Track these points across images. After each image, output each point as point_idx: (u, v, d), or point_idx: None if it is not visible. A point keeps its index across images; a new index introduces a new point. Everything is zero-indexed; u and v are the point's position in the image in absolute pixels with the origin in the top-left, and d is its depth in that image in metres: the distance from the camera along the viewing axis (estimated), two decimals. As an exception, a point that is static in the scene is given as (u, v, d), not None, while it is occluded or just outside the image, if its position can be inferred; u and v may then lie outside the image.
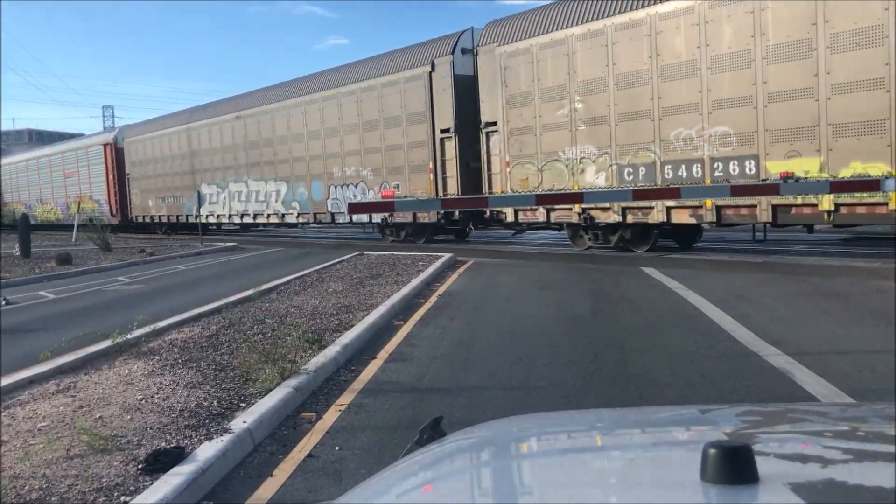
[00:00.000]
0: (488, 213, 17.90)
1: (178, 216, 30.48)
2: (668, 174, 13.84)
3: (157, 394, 5.63)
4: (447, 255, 15.43)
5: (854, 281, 10.46)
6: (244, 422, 4.74)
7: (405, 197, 18.58)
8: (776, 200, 12.40)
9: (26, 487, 3.87)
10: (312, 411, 5.34)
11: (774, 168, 12.12)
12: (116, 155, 34.23)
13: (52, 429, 4.86)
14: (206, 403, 5.31)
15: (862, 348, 6.62)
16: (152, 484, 3.80)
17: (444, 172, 18.94)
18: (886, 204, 11.21)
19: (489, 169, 17.92)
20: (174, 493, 3.66)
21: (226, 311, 9.49)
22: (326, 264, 15.02)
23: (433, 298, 10.57)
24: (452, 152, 18.72)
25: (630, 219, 14.76)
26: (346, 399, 5.62)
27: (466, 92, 18.28)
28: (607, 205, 14.68)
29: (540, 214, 16.43)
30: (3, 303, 12.00)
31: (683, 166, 13.60)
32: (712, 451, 1.00)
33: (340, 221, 22.60)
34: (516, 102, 16.64)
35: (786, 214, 12.66)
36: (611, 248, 15.63)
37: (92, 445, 4.38)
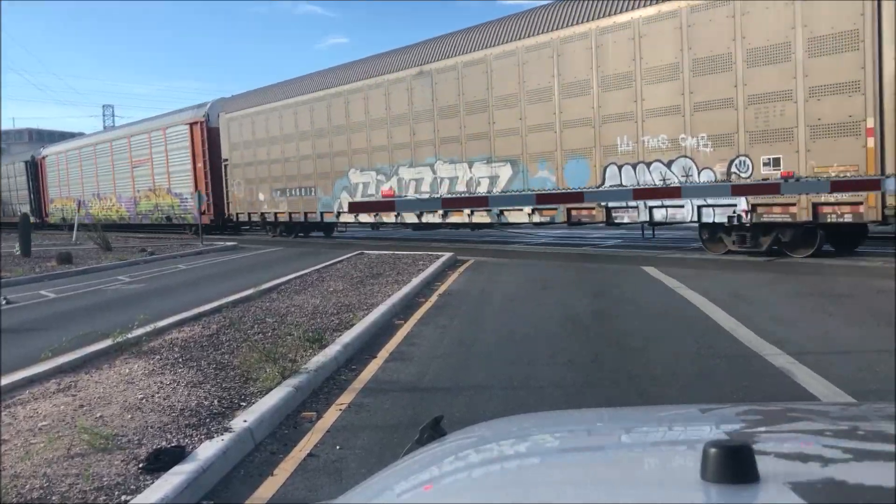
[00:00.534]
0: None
1: (306, 213, 23.05)
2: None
3: (158, 393, 5.63)
4: (448, 255, 15.43)
5: (854, 281, 10.46)
6: (245, 421, 4.74)
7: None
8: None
9: (27, 486, 3.87)
10: (313, 410, 5.34)
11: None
12: (209, 136, 27.45)
13: (53, 428, 4.86)
14: (206, 402, 5.31)
15: (862, 348, 6.62)
16: (153, 483, 3.80)
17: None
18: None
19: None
20: (175, 493, 3.66)
21: (226, 310, 9.49)
22: (327, 263, 15.02)
23: (434, 298, 10.57)
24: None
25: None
26: (346, 398, 5.62)
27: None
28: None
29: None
30: (4, 302, 12.01)
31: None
32: (712, 450, 1.01)
33: (624, 221, 15.12)
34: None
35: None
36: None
37: (93, 444, 4.38)
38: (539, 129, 16.24)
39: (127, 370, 6.47)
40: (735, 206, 12.99)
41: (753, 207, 12.81)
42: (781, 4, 12.07)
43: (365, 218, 20.68)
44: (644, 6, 14.09)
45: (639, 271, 12.44)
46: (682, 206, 13.82)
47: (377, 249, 18.10)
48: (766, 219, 12.74)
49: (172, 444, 4.38)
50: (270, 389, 5.46)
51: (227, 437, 4.44)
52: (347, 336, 7.40)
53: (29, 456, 4.27)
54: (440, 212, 18.41)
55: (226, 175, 26.83)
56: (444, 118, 18.38)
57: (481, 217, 17.90)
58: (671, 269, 12.22)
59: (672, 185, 12.83)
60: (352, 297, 10.22)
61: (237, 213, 26.42)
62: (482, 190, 17.38)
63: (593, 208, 15.32)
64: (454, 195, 17.37)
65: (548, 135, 16.04)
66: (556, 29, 15.77)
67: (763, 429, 1.46)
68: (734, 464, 0.99)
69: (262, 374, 5.82)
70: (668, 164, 13.96)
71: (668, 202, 14.00)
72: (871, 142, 11.22)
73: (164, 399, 5.45)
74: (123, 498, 3.70)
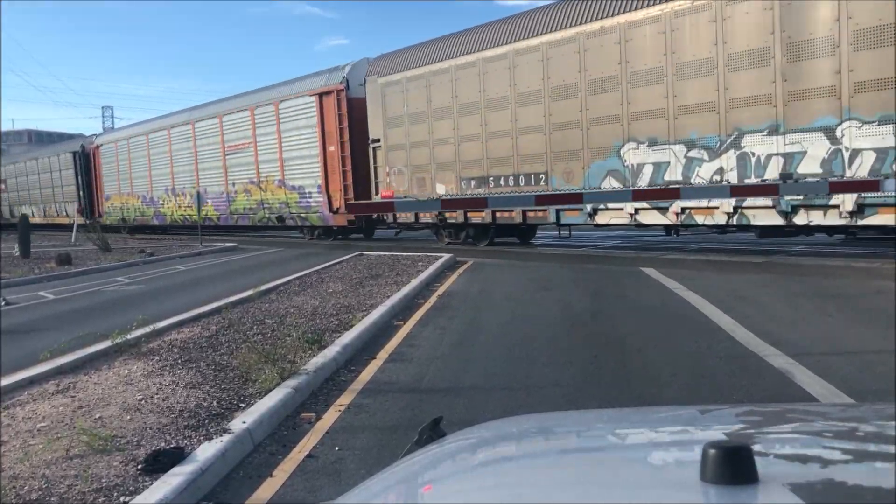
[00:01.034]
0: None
1: (525, 212, 16.36)
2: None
3: (157, 394, 5.63)
4: (447, 256, 15.42)
5: (854, 281, 10.46)
6: (244, 422, 4.73)
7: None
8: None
9: (26, 488, 3.87)
10: (312, 412, 5.34)
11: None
12: (350, 109, 20.48)
13: (52, 429, 4.86)
14: (205, 404, 5.30)
15: (862, 349, 6.62)
16: (152, 484, 3.80)
17: None
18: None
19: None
20: (174, 494, 3.66)
21: (225, 311, 9.48)
22: (326, 265, 15.02)
23: (433, 299, 10.57)
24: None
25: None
26: (345, 399, 5.62)
27: None
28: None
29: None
30: (3, 303, 12.00)
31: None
32: (712, 451, 1.00)
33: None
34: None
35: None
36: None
37: (91, 446, 4.38)
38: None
39: (126, 371, 6.46)
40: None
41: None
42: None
43: (619, 219, 14.75)
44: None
45: (638, 272, 12.44)
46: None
47: (376, 251, 18.10)
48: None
49: (171, 446, 4.37)
50: (269, 390, 5.46)
51: (226, 438, 4.44)
52: (347, 337, 7.40)
53: (28, 457, 4.27)
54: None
55: (374, 161, 19.96)
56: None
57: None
58: (670, 270, 12.22)
59: (672, 187, 12.84)
60: (351, 299, 10.22)
61: (395, 213, 19.15)
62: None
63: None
64: (453, 196, 17.36)
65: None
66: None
67: (762, 430, 1.46)
68: (733, 465, 0.99)
69: (262, 376, 5.82)
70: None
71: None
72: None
73: (163, 400, 5.44)
74: (122, 499, 3.70)
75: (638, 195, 12.05)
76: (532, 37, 15.98)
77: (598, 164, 14.75)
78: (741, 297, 9.43)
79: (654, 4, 13.58)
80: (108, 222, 33.47)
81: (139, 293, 13.18)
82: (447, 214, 18.24)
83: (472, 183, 17.47)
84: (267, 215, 24.57)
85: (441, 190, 18.12)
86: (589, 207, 14.76)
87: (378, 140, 19.92)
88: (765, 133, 12.09)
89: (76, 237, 27.64)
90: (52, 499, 3.73)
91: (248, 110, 24.95)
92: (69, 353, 6.93)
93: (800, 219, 11.90)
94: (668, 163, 13.56)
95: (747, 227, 13.32)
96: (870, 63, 10.87)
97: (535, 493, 1.19)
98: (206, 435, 4.56)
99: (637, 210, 14.20)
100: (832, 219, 11.56)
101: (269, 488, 4.02)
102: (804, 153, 11.51)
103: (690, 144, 13.24)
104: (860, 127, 10.96)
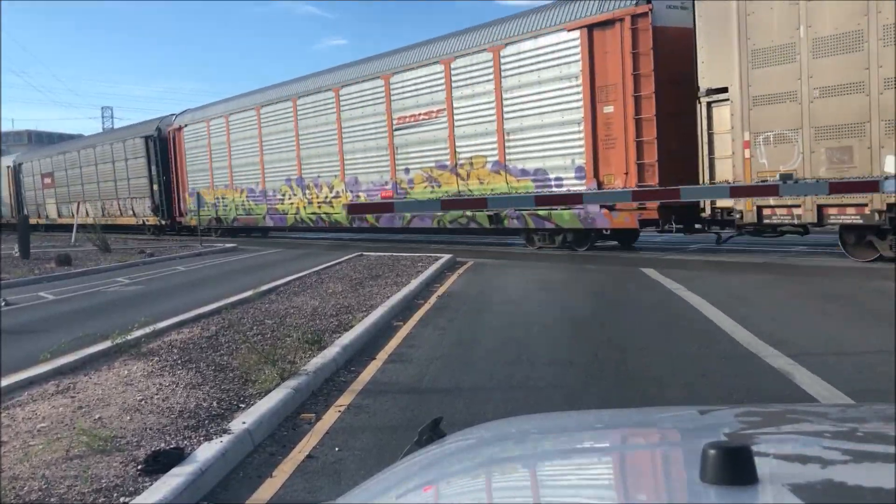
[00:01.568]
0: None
1: None
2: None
3: (157, 395, 5.63)
4: (447, 256, 15.42)
5: (854, 281, 10.46)
6: (244, 423, 4.73)
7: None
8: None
9: (26, 488, 3.86)
10: (312, 412, 5.34)
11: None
12: (656, 45, 13.62)
13: (52, 429, 4.86)
14: (205, 404, 5.30)
15: (862, 349, 6.62)
16: (152, 485, 3.80)
17: None
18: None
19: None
20: (173, 494, 3.66)
21: (225, 311, 9.48)
22: (326, 265, 15.02)
23: (433, 299, 10.57)
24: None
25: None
26: (345, 400, 5.62)
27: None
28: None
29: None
30: (3, 304, 12.00)
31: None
32: (712, 451, 1.00)
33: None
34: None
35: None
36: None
37: (91, 446, 4.38)
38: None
39: (126, 372, 6.46)
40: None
41: None
42: None
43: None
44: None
45: (638, 273, 12.44)
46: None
47: (376, 251, 18.10)
48: None
49: (171, 446, 4.37)
50: (269, 391, 5.46)
51: (225, 438, 4.44)
52: (346, 338, 7.40)
53: (28, 457, 4.27)
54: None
55: (708, 126, 12.88)
56: None
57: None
58: (670, 271, 12.22)
59: (672, 188, 12.82)
60: (351, 299, 10.22)
61: (763, 208, 12.22)
62: None
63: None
64: (453, 196, 17.28)
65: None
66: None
67: (762, 430, 1.46)
68: (733, 465, 0.99)
69: (261, 376, 5.81)
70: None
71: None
72: None
73: (163, 401, 5.44)
74: (122, 500, 3.70)
75: (637, 195, 12.01)
76: None
77: None
78: (741, 298, 9.43)
79: None
80: (193, 223, 26.43)
81: (139, 294, 13.18)
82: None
83: None
84: (469, 214, 17.23)
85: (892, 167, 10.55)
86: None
87: (723, 90, 12.56)
88: None
89: (76, 237, 27.63)
90: (52, 499, 3.73)
91: (438, 64, 17.64)
92: (69, 353, 6.93)
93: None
94: None
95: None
96: None
97: (535, 493, 1.19)
98: (205, 435, 4.56)
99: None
100: None
101: (269, 489, 4.02)
102: None
103: None
104: None
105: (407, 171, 19.04)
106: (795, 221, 12.10)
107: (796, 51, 11.55)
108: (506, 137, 16.48)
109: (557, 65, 15.33)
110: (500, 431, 1.69)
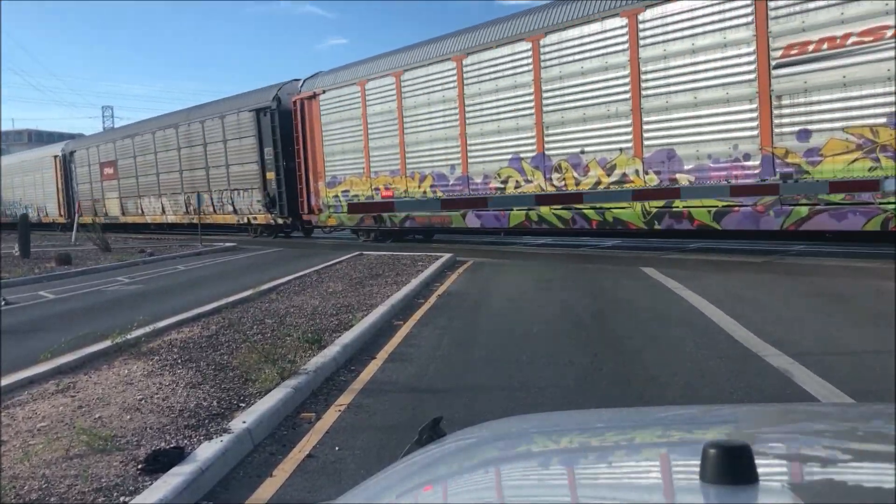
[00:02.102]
0: None
1: None
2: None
3: (157, 394, 5.63)
4: (447, 256, 15.42)
5: (854, 281, 10.46)
6: (244, 422, 4.74)
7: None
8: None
9: (26, 487, 3.87)
10: (312, 411, 5.34)
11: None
12: None
13: (52, 429, 4.86)
14: (205, 403, 5.30)
15: (862, 349, 6.62)
16: (152, 484, 3.80)
17: None
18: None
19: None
20: (174, 494, 3.66)
21: (225, 311, 9.48)
22: (326, 264, 15.01)
23: (433, 299, 10.57)
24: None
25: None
26: (345, 399, 5.62)
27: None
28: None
29: None
30: (3, 303, 12.00)
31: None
32: (712, 451, 1.00)
33: None
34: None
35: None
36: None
37: (91, 445, 4.38)
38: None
39: (126, 371, 6.46)
40: None
41: None
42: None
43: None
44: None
45: (638, 272, 12.43)
46: None
47: (377, 251, 18.09)
48: None
49: (171, 445, 4.37)
50: (269, 390, 5.46)
51: (226, 437, 4.44)
52: (347, 337, 7.40)
53: (28, 457, 4.27)
54: None
55: None
56: None
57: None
58: (670, 270, 12.21)
59: (671, 187, 12.84)
60: (351, 298, 10.22)
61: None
62: None
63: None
64: (453, 196, 17.33)
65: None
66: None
67: (762, 429, 1.46)
68: (733, 465, 0.99)
69: (262, 375, 5.82)
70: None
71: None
72: None
73: (163, 400, 5.45)
74: (122, 499, 3.70)
75: (637, 195, 12.02)
76: None
77: None
78: (741, 297, 9.42)
79: None
80: (332, 223, 21.02)
81: (139, 293, 13.18)
82: None
83: None
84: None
85: None
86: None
87: None
88: None
89: (76, 237, 27.62)
90: (52, 499, 3.73)
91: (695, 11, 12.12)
92: (69, 352, 6.93)
93: None
94: None
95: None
96: None
97: (535, 493, 1.19)
98: (206, 435, 4.56)
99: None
100: None
101: (269, 488, 4.02)
102: None
103: None
104: None
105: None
106: None
107: None
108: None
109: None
110: (500, 431, 1.69)
